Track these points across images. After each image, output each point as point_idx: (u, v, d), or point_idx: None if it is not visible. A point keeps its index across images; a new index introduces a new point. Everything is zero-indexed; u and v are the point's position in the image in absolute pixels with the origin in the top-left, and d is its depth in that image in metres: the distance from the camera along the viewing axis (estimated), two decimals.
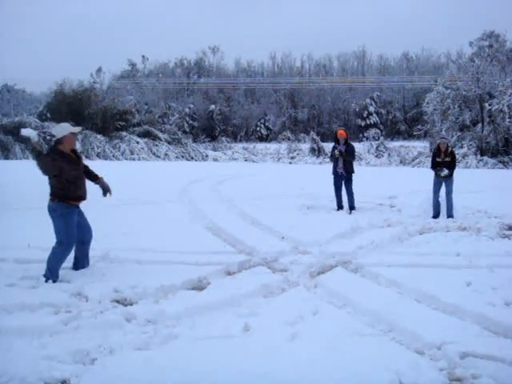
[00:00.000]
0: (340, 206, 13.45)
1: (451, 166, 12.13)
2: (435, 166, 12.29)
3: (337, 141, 13.51)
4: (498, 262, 7.91)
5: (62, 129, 7.24)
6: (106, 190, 7.80)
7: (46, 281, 6.95)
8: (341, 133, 13.53)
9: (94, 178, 7.83)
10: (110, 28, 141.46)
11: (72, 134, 7.29)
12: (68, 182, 7.10)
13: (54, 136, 7.27)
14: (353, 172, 13.40)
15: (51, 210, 7.16)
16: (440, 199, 12.26)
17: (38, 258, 7.69)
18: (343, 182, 13.37)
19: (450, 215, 12.03)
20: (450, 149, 12.33)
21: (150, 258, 8.16)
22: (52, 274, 7.04)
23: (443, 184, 12.20)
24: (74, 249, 7.41)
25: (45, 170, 6.97)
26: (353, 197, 13.38)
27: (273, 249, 8.78)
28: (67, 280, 7.00)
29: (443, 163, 12.15)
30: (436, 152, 12.42)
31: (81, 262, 7.59)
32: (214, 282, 7.08)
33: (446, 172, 12.05)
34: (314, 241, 9.38)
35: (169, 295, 6.53)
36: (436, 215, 12.20)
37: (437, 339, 5.01)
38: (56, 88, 53.47)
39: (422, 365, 4.60)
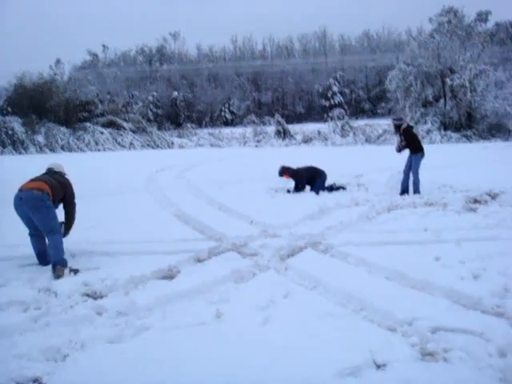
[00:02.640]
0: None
1: (408, 142, 12.28)
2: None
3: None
4: (465, 236, 8.00)
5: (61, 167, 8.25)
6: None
7: (65, 264, 7.08)
8: (286, 176, 13.82)
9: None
10: (67, 18, 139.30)
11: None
12: None
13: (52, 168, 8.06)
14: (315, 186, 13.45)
15: (40, 201, 7.16)
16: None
17: (3, 256, 7.60)
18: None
19: (416, 191, 12.14)
20: (402, 127, 12.44)
21: (118, 250, 8.08)
22: (63, 257, 7.17)
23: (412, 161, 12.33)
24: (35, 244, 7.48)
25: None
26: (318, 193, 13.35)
27: (242, 233, 8.75)
28: (35, 276, 6.89)
29: (402, 144, 12.35)
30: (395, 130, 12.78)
31: (47, 255, 7.51)
32: (184, 270, 7.04)
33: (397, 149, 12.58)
34: (282, 224, 9.39)
35: (139, 286, 6.47)
36: (403, 192, 12.29)
37: (408, 315, 5.05)
38: (16, 81, 52.56)
39: (394, 342, 4.63)
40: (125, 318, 5.41)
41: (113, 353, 4.66)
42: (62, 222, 7.68)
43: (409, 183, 12.37)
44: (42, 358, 4.60)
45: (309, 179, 13.52)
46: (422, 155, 12.32)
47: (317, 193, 13.10)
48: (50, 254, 7.27)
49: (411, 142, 12.33)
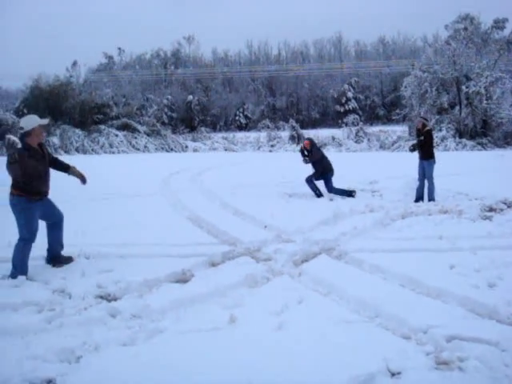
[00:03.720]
0: (319, 195, 13.60)
1: (424, 145, 12.20)
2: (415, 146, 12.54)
3: (305, 150, 13.94)
4: (480, 244, 7.95)
5: (31, 120, 7.18)
6: (80, 177, 7.78)
7: (14, 277, 6.83)
8: (306, 143, 13.97)
9: (66, 169, 7.77)
10: (84, 21, 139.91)
11: (40, 127, 7.20)
12: (31, 176, 7.02)
13: (22, 128, 7.16)
14: (324, 170, 13.64)
15: (12, 205, 7.08)
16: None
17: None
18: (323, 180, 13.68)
19: (431, 199, 12.09)
20: (426, 128, 12.38)
21: (132, 252, 8.10)
22: (18, 270, 6.94)
23: (424, 166, 12.26)
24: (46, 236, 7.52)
25: (12, 175, 6.93)
26: (332, 190, 13.51)
27: (256, 238, 8.74)
28: (49, 277, 6.92)
29: (419, 142, 12.26)
30: (416, 132, 12.62)
31: (53, 247, 7.61)
32: (198, 274, 7.04)
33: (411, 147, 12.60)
34: (296, 229, 9.37)
35: (153, 289, 6.48)
36: (418, 199, 12.24)
37: (423, 323, 5.02)
38: (32, 83, 52.75)
39: (408, 350, 4.61)
40: (138, 321, 5.42)
41: (126, 355, 4.67)
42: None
43: (424, 190, 12.31)
44: (55, 359, 4.61)
45: (324, 168, 13.63)
46: (435, 161, 12.25)
47: (330, 190, 13.28)
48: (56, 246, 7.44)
49: (429, 146, 12.26)
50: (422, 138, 12.18)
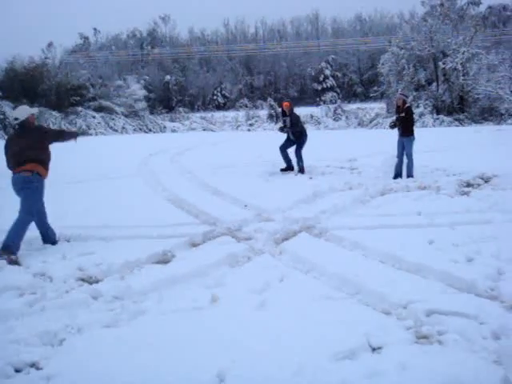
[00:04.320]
0: (290, 167, 14.03)
1: (404, 122, 12.22)
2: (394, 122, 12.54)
3: (284, 113, 14.17)
4: (459, 219, 8.04)
5: (25, 111, 7.62)
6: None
7: (6, 248, 6.93)
8: (285, 105, 14.16)
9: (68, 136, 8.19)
10: (59, 1, 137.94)
11: (32, 115, 7.67)
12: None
13: (17, 119, 7.55)
14: (302, 138, 13.96)
15: (28, 182, 7.27)
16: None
17: None
18: (295, 147, 13.96)
19: (409, 175, 12.16)
20: (406, 104, 12.40)
21: (113, 234, 8.07)
22: (15, 244, 7.07)
23: (403, 144, 12.30)
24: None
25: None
26: (301, 161, 13.81)
27: (236, 218, 8.76)
28: (30, 261, 6.89)
29: (398, 119, 12.27)
30: (395, 109, 12.62)
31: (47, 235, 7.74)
32: (178, 255, 7.06)
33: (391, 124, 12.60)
34: (276, 207, 9.39)
35: (134, 270, 6.48)
36: (396, 176, 12.30)
37: (402, 299, 5.08)
38: (6, 65, 52.07)
39: (389, 325, 4.66)
40: (121, 303, 5.42)
41: (109, 337, 4.67)
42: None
43: (402, 167, 12.37)
44: (38, 342, 4.60)
45: (300, 130, 13.98)
46: (414, 138, 12.30)
47: (298, 154, 13.72)
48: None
49: (409, 123, 12.29)
50: (403, 114, 12.20)
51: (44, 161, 7.47)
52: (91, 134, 42.36)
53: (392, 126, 12.70)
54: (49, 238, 7.73)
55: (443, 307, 4.85)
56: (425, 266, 6.00)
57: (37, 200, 7.43)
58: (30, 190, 7.29)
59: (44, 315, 5.15)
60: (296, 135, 13.87)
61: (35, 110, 7.94)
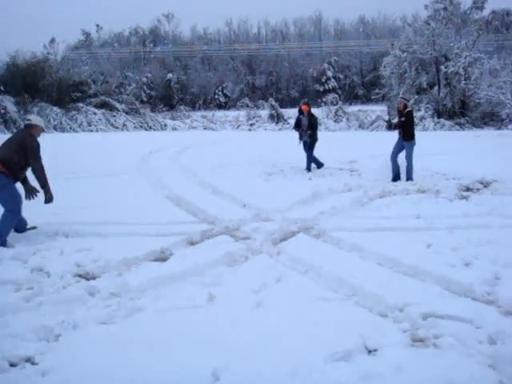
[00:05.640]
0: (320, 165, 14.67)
1: (405, 125, 12.20)
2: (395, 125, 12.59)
3: (301, 112, 14.41)
4: (457, 223, 8.03)
5: (39, 121, 8.14)
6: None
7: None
8: (304, 108, 14.31)
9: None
10: None
11: (42, 130, 8.15)
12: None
13: (29, 120, 7.99)
14: (315, 140, 14.25)
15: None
16: (399, 162, 12.38)
17: None
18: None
19: (409, 178, 12.15)
20: (407, 108, 12.37)
21: (111, 231, 8.08)
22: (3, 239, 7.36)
23: (404, 146, 12.29)
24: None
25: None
26: (310, 160, 14.18)
27: (235, 217, 8.78)
28: (27, 256, 6.90)
29: (400, 123, 12.25)
30: (397, 112, 12.60)
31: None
32: (176, 253, 7.07)
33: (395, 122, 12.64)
34: (275, 208, 9.40)
35: (132, 267, 6.49)
36: (395, 178, 12.30)
37: (399, 301, 5.09)
38: (8, 60, 52.03)
39: (385, 327, 4.67)
40: (117, 300, 5.42)
41: (105, 334, 4.68)
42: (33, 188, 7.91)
43: (399, 170, 12.37)
44: (34, 337, 4.61)
45: (314, 133, 14.28)
46: (415, 143, 12.29)
47: (310, 156, 14.18)
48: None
49: (410, 127, 12.28)
50: (404, 118, 12.19)
51: (9, 165, 7.55)
52: (92, 130, 42.33)
53: (394, 127, 12.74)
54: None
55: (440, 311, 4.85)
56: (422, 269, 6.00)
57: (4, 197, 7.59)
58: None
59: (40, 310, 5.16)
60: (312, 137, 14.13)
61: (43, 126, 8.25)
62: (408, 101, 12.87)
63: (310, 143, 14.12)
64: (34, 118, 8.10)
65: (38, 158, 7.72)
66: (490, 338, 4.40)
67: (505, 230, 7.69)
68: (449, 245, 6.96)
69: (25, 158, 7.62)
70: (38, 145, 7.80)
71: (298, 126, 14.31)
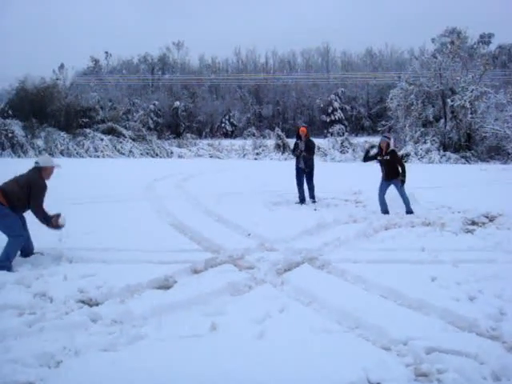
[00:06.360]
0: (302, 200, 13.90)
1: (389, 165, 12.20)
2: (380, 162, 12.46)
3: (298, 137, 14.16)
4: (462, 257, 8.00)
5: (48, 160, 8.14)
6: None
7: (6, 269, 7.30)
8: (302, 130, 14.20)
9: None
10: (72, 24, 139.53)
11: (52, 167, 8.07)
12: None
13: (37, 163, 7.97)
14: (312, 167, 13.98)
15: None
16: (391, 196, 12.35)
17: None
18: (305, 177, 13.92)
19: (408, 211, 12.08)
20: (389, 148, 12.34)
21: (115, 257, 8.08)
22: (9, 262, 7.44)
23: (391, 185, 12.26)
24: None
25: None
26: (313, 190, 13.96)
27: (239, 246, 8.77)
28: (30, 281, 6.89)
29: (384, 161, 12.20)
30: (379, 150, 12.54)
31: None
32: (180, 281, 7.05)
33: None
34: (280, 238, 9.39)
35: (135, 295, 6.47)
36: (385, 211, 12.21)
37: (403, 335, 5.05)
38: (18, 85, 52.42)
39: (388, 361, 4.62)
40: (120, 327, 5.40)
41: (106, 361, 4.65)
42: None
43: (387, 208, 12.30)
44: (35, 363, 4.58)
45: (311, 158, 14.05)
46: (404, 182, 12.21)
47: (311, 183, 13.86)
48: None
49: (400, 165, 12.23)
50: (387, 157, 12.16)
51: (10, 197, 7.64)
52: (98, 156, 42.48)
53: (367, 159, 12.82)
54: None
55: (444, 345, 4.81)
56: (426, 302, 5.97)
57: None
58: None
59: (42, 336, 5.14)
60: (307, 163, 13.85)
61: (59, 165, 8.30)
62: (390, 139, 12.70)
63: (307, 172, 13.90)
64: (42, 160, 8.09)
65: (38, 199, 7.80)
66: (495, 374, 4.36)
67: (510, 264, 7.63)
68: (453, 279, 6.92)
69: (28, 196, 7.71)
70: (45, 187, 7.88)
71: (295, 150, 14.19)
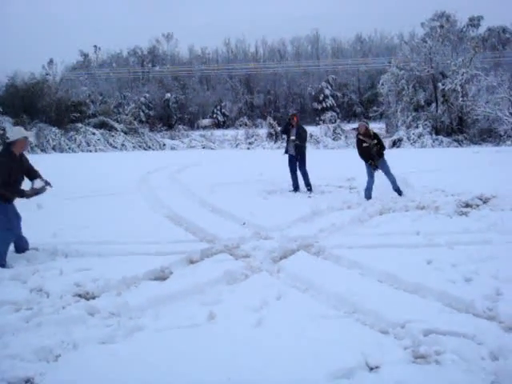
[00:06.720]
0: (296, 187, 13.89)
1: (379, 148, 12.20)
2: (365, 153, 12.31)
3: (289, 125, 14.04)
4: (457, 239, 8.02)
5: (16, 132, 7.66)
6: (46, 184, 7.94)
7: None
8: (295, 118, 14.05)
9: (35, 177, 7.91)
10: (60, 18, 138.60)
11: (25, 138, 7.65)
12: (12, 181, 7.47)
13: (7, 138, 7.61)
14: (304, 154, 13.91)
15: None
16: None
17: None
18: (297, 164, 13.83)
19: (396, 189, 12.14)
20: (371, 131, 12.35)
21: (110, 251, 8.07)
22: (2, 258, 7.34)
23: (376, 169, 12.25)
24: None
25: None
26: (307, 177, 13.84)
27: (234, 235, 8.78)
28: (27, 276, 6.88)
29: (372, 147, 12.13)
30: (360, 138, 12.41)
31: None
32: (176, 272, 7.05)
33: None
34: (275, 226, 9.40)
35: (131, 287, 6.47)
36: (368, 198, 12.23)
37: (400, 318, 5.07)
38: (7, 81, 52.17)
39: (386, 344, 4.65)
40: (117, 319, 5.40)
41: (105, 353, 4.66)
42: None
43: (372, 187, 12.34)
44: (34, 358, 4.59)
45: (303, 145, 13.97)
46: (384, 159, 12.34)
47: (304, 169, 13.71)
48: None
49: (380, 146, 12.27)
50: (375, 141, 12.15)
51: None
52: (91, 151, 42.37)
53: (373, 165, 12.41)
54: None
55: (441, 327, 4.83)
56: (423, 285, 5.99)
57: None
58: None
59: (40, 331, 5.13)
60: (298, 149, 13.76)
61: (30, 134, 8.05)
62: (367, 123, 12.68)
63: (299, 159, 13.82)
64: (11, 134, 7.63)
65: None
66: (492, 354, 4.38)
67: (505, 245, 7.67)
68: (449, 261, 6.94)
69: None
70: (3, 163, 7.36)
71: (285, 131, 14.19)
